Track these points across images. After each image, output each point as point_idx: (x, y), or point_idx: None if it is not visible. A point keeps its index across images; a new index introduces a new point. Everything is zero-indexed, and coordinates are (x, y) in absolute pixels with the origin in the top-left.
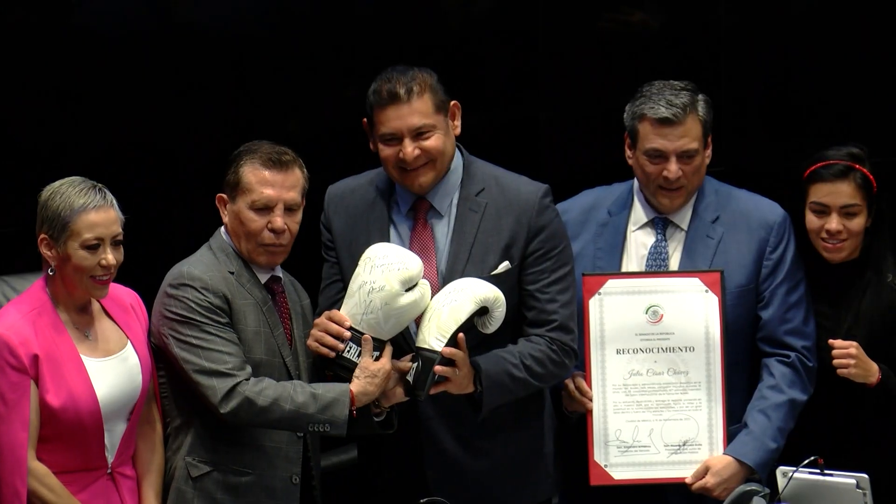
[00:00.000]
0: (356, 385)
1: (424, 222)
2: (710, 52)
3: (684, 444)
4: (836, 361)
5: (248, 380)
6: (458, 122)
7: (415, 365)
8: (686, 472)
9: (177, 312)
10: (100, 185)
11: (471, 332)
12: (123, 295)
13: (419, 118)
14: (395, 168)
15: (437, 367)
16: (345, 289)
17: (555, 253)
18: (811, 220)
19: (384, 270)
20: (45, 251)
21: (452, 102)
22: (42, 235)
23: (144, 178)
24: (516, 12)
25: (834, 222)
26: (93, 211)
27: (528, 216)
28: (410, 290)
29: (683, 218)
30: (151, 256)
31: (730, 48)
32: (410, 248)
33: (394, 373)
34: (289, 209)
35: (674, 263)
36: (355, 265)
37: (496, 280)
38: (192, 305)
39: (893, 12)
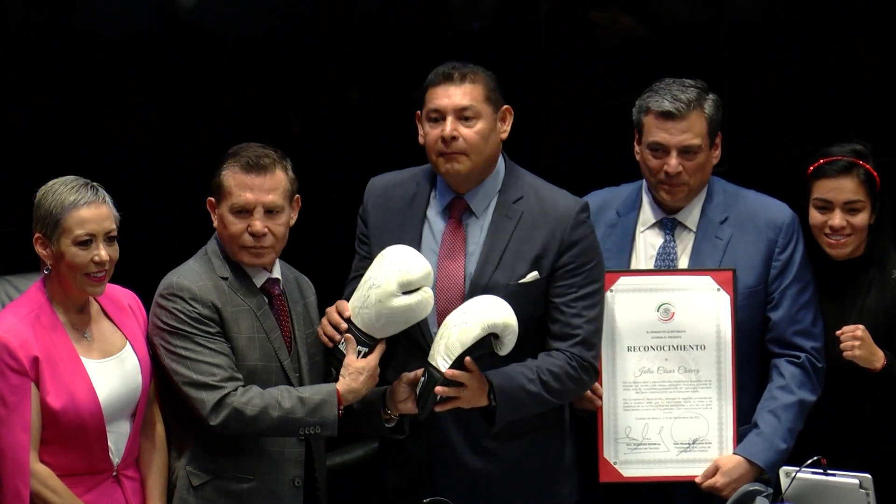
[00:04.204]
0: (341, 383)
1: (458, 222)
2: (712, 53)
3: (694, 443)
4: (842, 345)
5: (236, 391)
6: (507, 127)
7: (422, 379)
8: (695, 471)
9: (167, 323)
10: (94, 182)
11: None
12: (121, 295)
13: (466, 99)
14: (435, 152)
15: (438, 388)
16: None
17: (586, 269)
18: (814, 216)
19: (388, 269)
20: (40, 250)
21: (505, 106)
22: (37, 234)
23: (144, 178)
24: (519, 13)
25: (837, 218)
26: (83, 207)
27: (563, 229)
28: (408, 294)
29: (692, 219)
30: (150, 257)
31: (732, 48)
32: (441, 248)
33: (405, 385)
34: (269, 211)
35: (682, 264)
36: None
37: (523, 289)
38: (182, 316)
39: (895, 12)
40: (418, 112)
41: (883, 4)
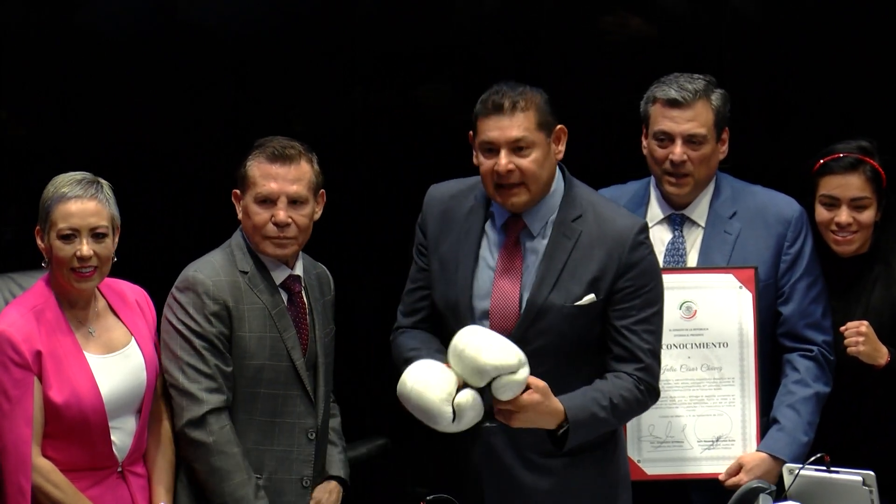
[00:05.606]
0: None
1: (516, 241)
2: (712, 53)
3: (717, 440)
4: (846, 341)
5: (221, 412)
6: (562, 148)
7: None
8: (719, 468)
9: (176, 315)
10: (100, 179)
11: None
12: (128, 291)
13: (519, 130)
14: (491, 183)
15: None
16: (428, 297)
17: (644, 291)
18: (821, 213)
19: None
20: (38, 242)
21: (559, 126)
22: (37, 227)
23: (144, 178)
24: (519, 13)
25: (844, 215)
26: (71, 201)
27: (620, 251)
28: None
29: (700, 214)
30: (150, 257)
31: (732, 48)
32: (497, 265)
33: None
34: (293, 202)
35: (691, 259)
36: (443, 270)
37: (579, 311)
38: (190, 311)
39: (895, 12)
40: (471, 133)
41: (883, 4)
